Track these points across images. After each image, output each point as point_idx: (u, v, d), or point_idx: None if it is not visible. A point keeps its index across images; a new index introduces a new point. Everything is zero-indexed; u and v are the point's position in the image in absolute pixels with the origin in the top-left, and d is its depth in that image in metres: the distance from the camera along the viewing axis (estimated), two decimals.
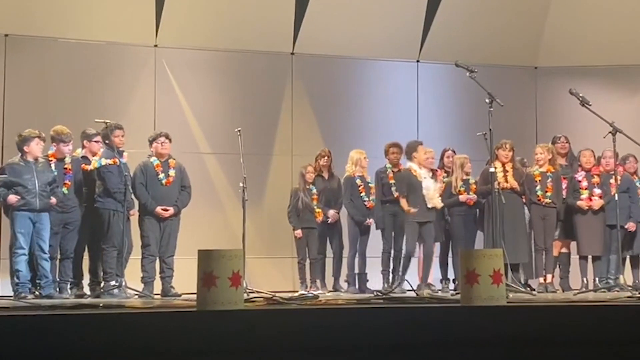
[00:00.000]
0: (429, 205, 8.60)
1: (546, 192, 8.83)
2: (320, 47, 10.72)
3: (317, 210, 9.12)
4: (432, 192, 8.65)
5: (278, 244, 10.32)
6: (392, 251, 9.00)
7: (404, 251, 8.77)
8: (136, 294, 7.90)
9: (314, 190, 9.17)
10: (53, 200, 7.80)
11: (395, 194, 8.94)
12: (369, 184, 9.03)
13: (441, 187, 8.91)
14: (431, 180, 8.72)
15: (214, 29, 10.39)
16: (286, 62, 10.75)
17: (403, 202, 8.63)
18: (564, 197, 8.99)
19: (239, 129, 8.24)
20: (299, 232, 9.13)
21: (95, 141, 8.29)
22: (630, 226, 8.83)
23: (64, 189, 8.01)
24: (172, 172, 8.31)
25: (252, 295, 6.59)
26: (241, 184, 8.09)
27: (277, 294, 6.51)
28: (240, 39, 10.44)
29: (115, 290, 7.78)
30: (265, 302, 5.70)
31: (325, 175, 9.32)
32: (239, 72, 10.60)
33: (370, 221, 8.98)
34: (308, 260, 9.16)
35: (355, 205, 8.96)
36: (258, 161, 10.19)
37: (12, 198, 7.60)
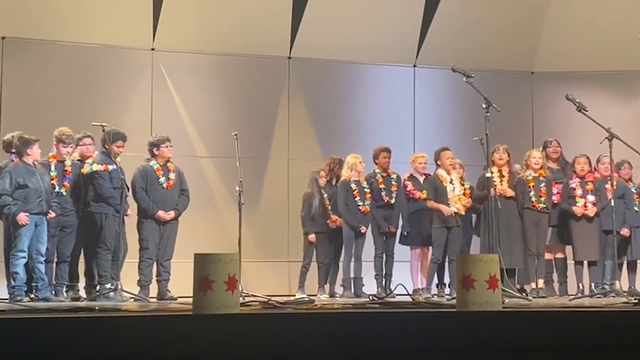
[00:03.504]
0: (452, 209, 8.71)
1: (540, 197, 8.86)
2: (317, 51, 10.74)
3: (334, 216, 9.11)
4: (455, 197, 8.72)
5: (274, 247, 10.35)
6: (384, 255, 9.03)
7: (430, 257, 8.83)
8: (132, 297, 7.89)
9: (326, 196, 9.17)
10: (52, 214, 7.79)
11: (386, 199, 9.02)
12: (365, 189, 9.04)
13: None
14: (456, 185, 8.81)
15: (212, 33, 10.40)
16: (283, 66, 10.76)
17: (434, 204, 8.75)
18: (556, 202, 9.02)
19: (236, 132, 8.25)
20: (312, 237, 9.12)
21: (82, 144, 8.25)
22: (625, 232, 8.86)
23: (63, 191, 8.01)
24: (172, 176, 8.33)
25: (247, 299, 6.58)
26: (237, 188, 8.10)
27: (272, 298, 6.51)
28: (237, 43, 10.45)
29: (111, 294, 7.78)
30: (261, 306, 5.70)
31: (334, 182, 9.32)
32: (236, 76, 10.61)
33: (364, 229, 8.98)
34: (312, 265, 9.18)
35: (349, 210, 8.96)
36: (254, 165, 10.18)
37: (24, 218, 7.56)
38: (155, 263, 8.24)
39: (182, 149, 9.42)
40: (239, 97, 10.58)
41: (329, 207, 9.12)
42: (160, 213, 8.18)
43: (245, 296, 6.93)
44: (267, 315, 4.83)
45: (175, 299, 8.03)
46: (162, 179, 8.28)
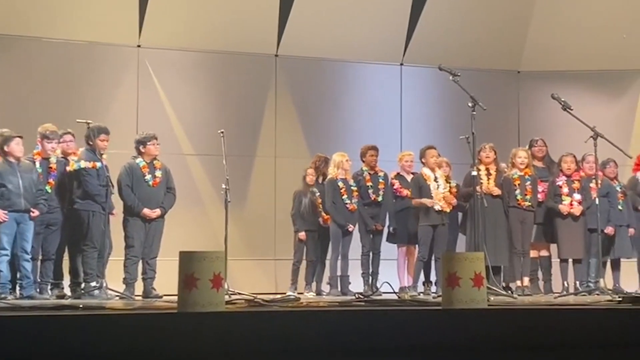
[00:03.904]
0: (436, 208, 8.69)
1: (525, 195, 8.89)
2: (304, 49, 10.73)
3: (325, 214, 9.09)
4: (439, 194, 8.74)
5: (260, 245, 10.34)
6: (371, 253, 9.05)
7: (416, 255, 8.85)
8: (117, 295, 7.87)
9: (318, 194, 9.16)
10: (36, 212, 7.72)
11: (373, 197, 9.03)
12: (352, 187, 9.05)
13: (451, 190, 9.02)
14: (440, 183, 8.82)
15: (198, 30, 10.37)
16: (270, 64, 10.74)
17: (418, 201, 8.75)
18: (541, 200, 9.06)
19: (222, 130, 8.23)
20: (302, 235, 9.13)
21: (62, 141, 8.20)
22: (609, 230, 8.90)
23: (48, 187, 7.96)
24: (158, 174, 8.30)
25: (233, 297, 6.57)
26: (224, 186, 8.08)
27: (258, 296, 6.50)
28: (224, 40, 10.42)
29: (96, 292, 7.75)
30: (246, 304, 5.70)
31: (320, 179, 9.32)
32: (223, 74, 10.59)
33: (352, 227, 8.98)
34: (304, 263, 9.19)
35: (337, 208, 8.97)
36: (241, 163, 10.18)
37: (0, 214, 7.52)
38: (140, 261, 8.22)
39: (168, 146, 9.40)
40: (225, 95, 10.56)
41: (320, 205, 9.12)
42: (146, 211, 8.15)
43: (231, 294, 6.92)
44: (253, 314, 4.81)
45: (161, 297, 8.00)
46: (148, 177, 8.25)
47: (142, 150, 8.29)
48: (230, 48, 10.50)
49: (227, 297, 6.23)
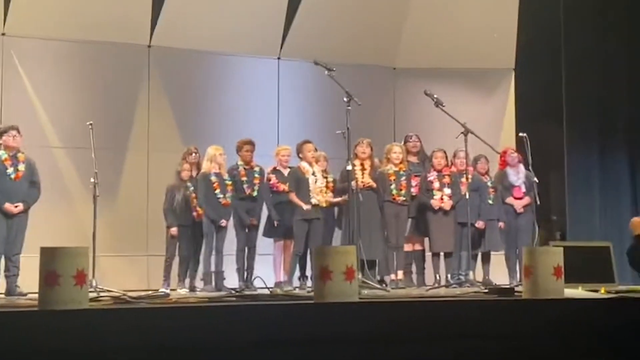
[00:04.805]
0: (312, 202, 8.69)
1: (400, 190, 9.02)
2: (179, 40, 10.50)
3: (199, 209, 8.93)
4: (317, 189, 8.72)
5: (132, 241, 10.06)
6: (247, 248, 8.98)
7: (292, 249, 8.79)
8: None
9: (192, 188, 8.97)
10: None
11: (248, 191, 8.94)
12: (226, 181, 8.93)
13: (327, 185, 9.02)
14: (318, 177, 8.81)
15: (67, 18, 9.97)
16: (143, 54, 10.45)
17: (294, 198, 8.73)
18: (415, 194, 9.21)
19: (91, 122, 7.99)
20: (174, 230, 8.94)
21: None
22: (480, 224, 9.13)
23: None
24: (21, 167, 8.03)
25: (101, 294, 6.38)
26: (92, 180, 7.85)
27: (129, 293, 6.33)
28: (94, 29, 10.06)
29: None
30: (113, 301, 5.54)
31: (194, 173, 9.15)
32: (93, 64, 10.22)
33: (225, 222, 8.86)
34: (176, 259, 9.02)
35: (209, 203, 8.83)
36: (111, 156, 9.88)
37: None
38: (3, 258, 7.90)
39: (33, 138, 9.04)
40: (95, 86, 10.19)
41: (194, 200, 8.97)
42: (7, 205, 7.86)
43: (99, 291, 6.71)
44: (118, 311, 4.70)
45: (25, 294, 7.71)
46: (10, 170, 7.96)
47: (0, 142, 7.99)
48: (101, 38, 10.13)
49: (94, 295, 6.05)
